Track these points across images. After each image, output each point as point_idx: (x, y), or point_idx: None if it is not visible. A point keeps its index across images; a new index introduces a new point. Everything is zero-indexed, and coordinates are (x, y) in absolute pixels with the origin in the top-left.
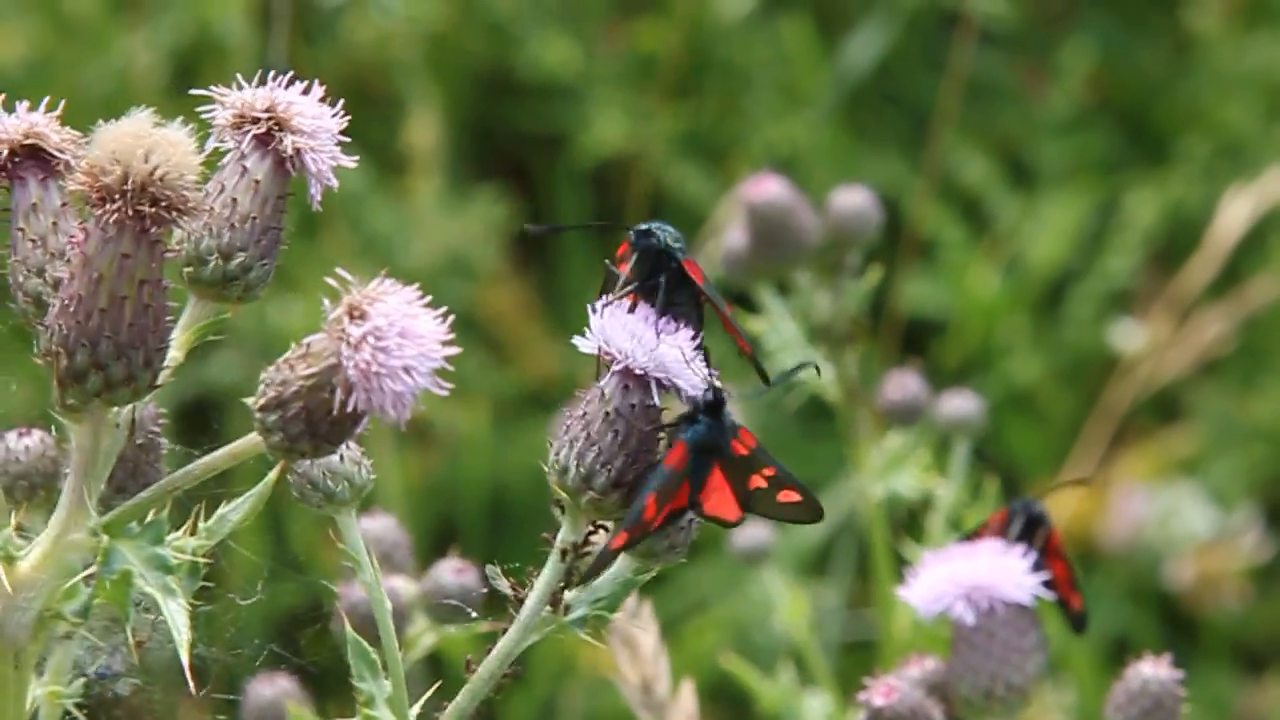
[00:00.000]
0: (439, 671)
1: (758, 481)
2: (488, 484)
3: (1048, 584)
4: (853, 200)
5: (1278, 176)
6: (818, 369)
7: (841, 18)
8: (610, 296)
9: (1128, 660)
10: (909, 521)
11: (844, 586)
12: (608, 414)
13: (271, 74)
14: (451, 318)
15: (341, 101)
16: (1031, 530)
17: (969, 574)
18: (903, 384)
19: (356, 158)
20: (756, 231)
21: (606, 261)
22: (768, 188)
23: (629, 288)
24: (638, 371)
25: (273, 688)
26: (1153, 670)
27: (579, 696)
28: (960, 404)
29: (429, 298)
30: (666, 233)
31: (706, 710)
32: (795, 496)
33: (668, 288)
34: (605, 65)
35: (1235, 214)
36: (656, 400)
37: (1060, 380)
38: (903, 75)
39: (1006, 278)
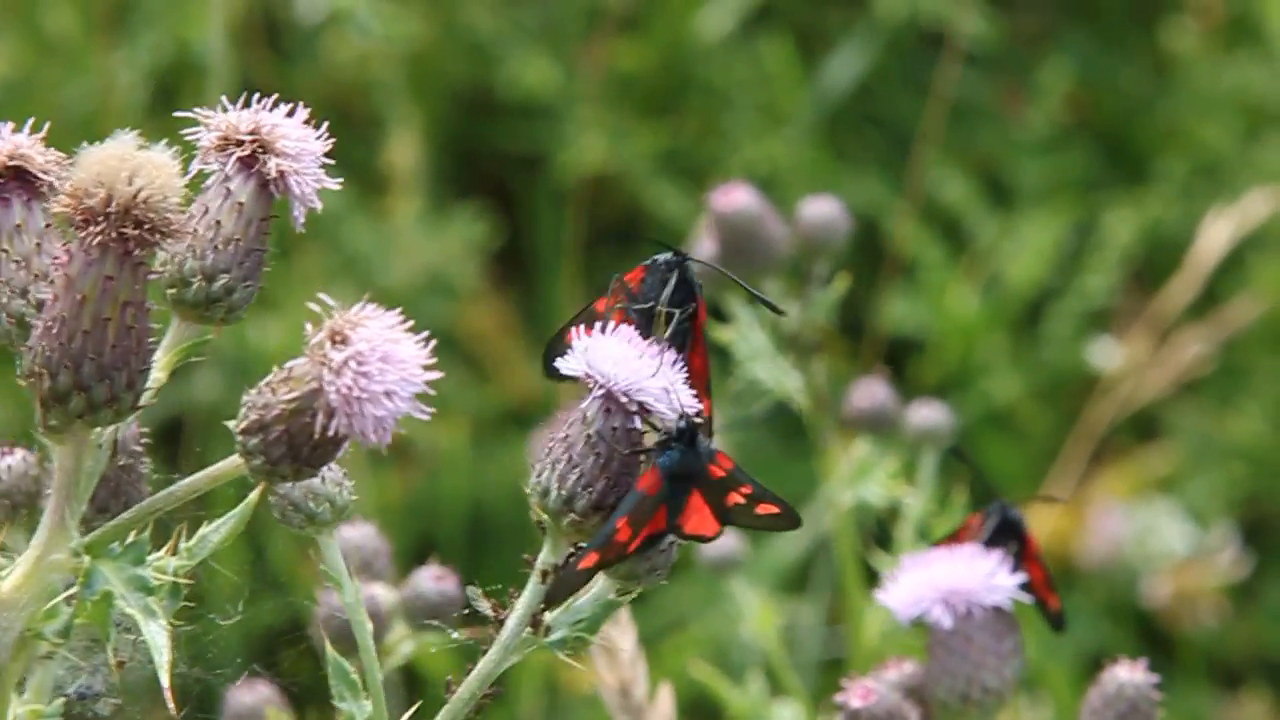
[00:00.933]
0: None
1: (735, 499)
2: (467, 502)
3: (1025, 586)
4: (821, 210)
5: (1258, 198)
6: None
7: (821, 38)
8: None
9: (1104, 666)
10: (878, 531)
11: (823, 603)
12: (589, 437)
13: (253, 95)
14: (433, 341)
15: (324, 122)
16: (1007, 533)
17: (947, 578)
18: (870, 392)
19: (338, 178)
20: (725, 241)
21: (617, 277)
22: (736, 197)
23: (643, 305)
24: (620, 396)
25: (253, 694)
26: (1129, 674)
27: (560, 714)
28: (929, 414)
29: (410, 321)
30: (695, 269)
31: None
32: (774, 509)
33: (682, 317)
34: (585, 85)
35: (1216, 235)
36: (638, 424)
37: (1039, 399)
38: (883, 95)
39: (985, 297)
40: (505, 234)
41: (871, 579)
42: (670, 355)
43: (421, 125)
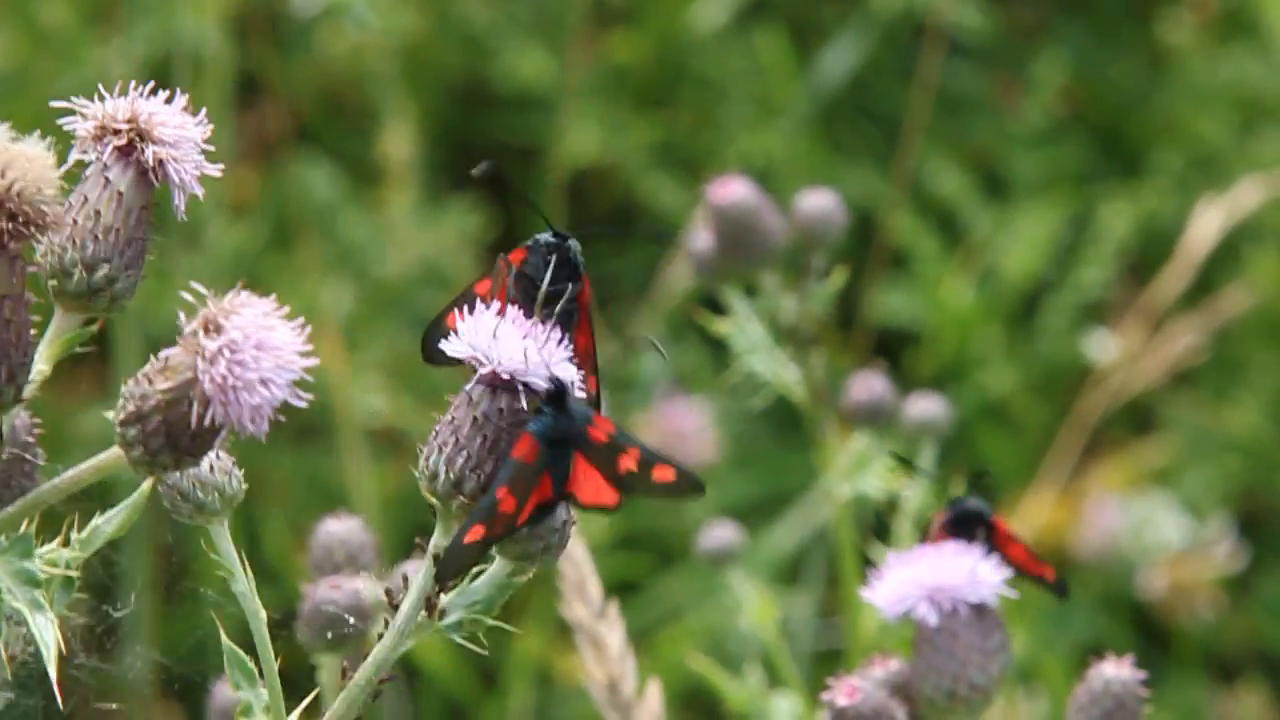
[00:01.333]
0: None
1: (627, 464)
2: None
3: (1013, 567)
4: (818, 202)
5: (1250, 187)
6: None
7: (816, 30)
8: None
9: (1098, 660)
10: (876, 524)
11: (816, 595)
12: (475, 419)
13: (248, 86)
14: (308, 326)
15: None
16: (971, 524)
17: (932, 575)
18: (868, 385)
19: (328, 166)
20: (722, 233)
21: (502, 256)
22: (733, 189)
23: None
24: (504, 376)
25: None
26: (1115, 671)
27: (552, 704)
28: (927, 406)
29: (288, 307)
30: (578, 247)
31: (681, 718)
32: (669, 474)
33: (569, 298)
34: (580, 77)
35: (1207, 225)
36: (524, 404)
37: (1034, 391)
38: (878, 88)
39: (980, 289)
40: (500, 226)
41: (870, 571)
42: (555, 333)
43: (416, 117)
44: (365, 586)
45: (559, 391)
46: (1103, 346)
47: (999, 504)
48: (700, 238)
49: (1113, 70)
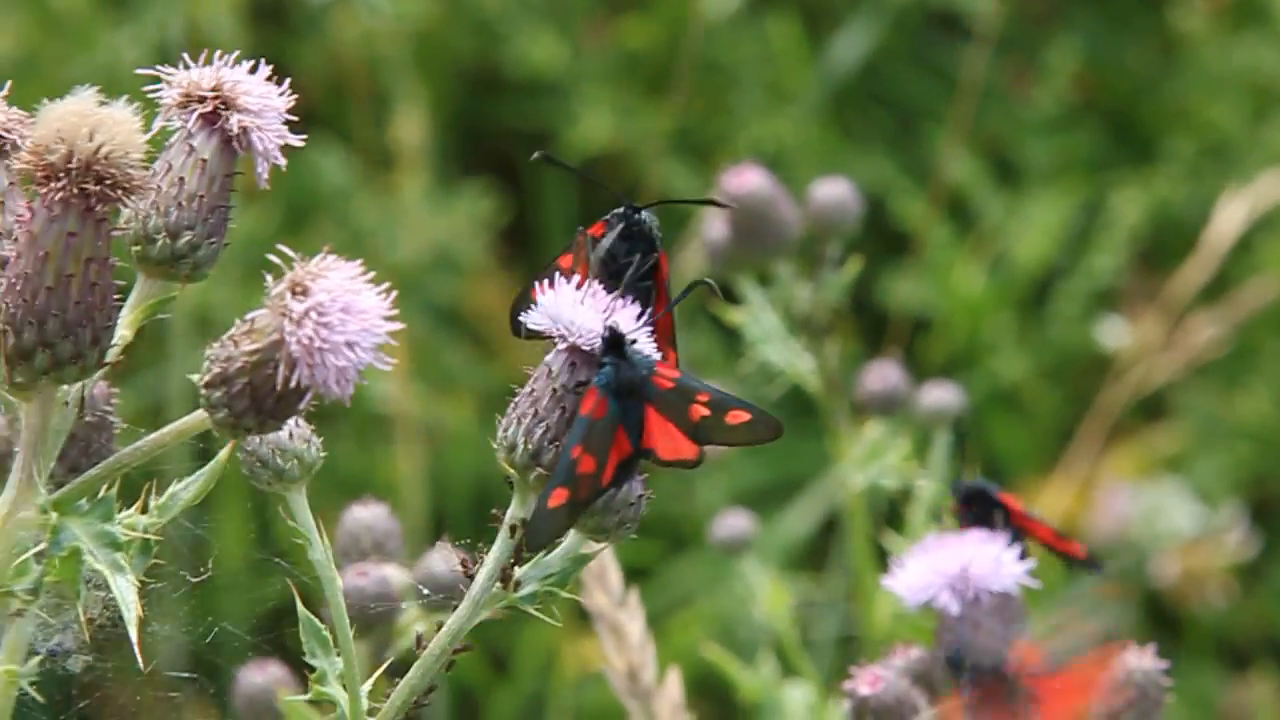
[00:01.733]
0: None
1: (699, 411)
2: (474, 478)
3: (1043, 545)
4: (833, 192)
5: (1272, 180)
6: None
7: (828, 16)
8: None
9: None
10: (890, 513)
11: (835, 581)
12: (554, 390)
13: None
14: (394, 292)
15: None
16: (984, 505)
17: (954, 563)
18: (883, 374)
19: (340, 152)
20: (737, 223)
21: (581, 230)
22: (748, 179)
23: (604, 262)
24: (584, 348)
25: (264, 674)
26: (1137, 660)
27: (565, 691)
28: (941, 395)
29: (370, 273)
30: (654, 221)
31: (693, 705)
32: (744, 415)
33: (640, 270)
34: (592, 62)
35: (1230, 217)
36: None
37: (1046, 378)
38: (890, 74)
39: (992, 276)
40: (512, 211)
41: (885, 560)
42: (634, 307)
43: (428, 102)
44: (393, 573)
45: (616, 339)
46: (1115, 333)
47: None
48: (715, 227)
49: (1125, 57)
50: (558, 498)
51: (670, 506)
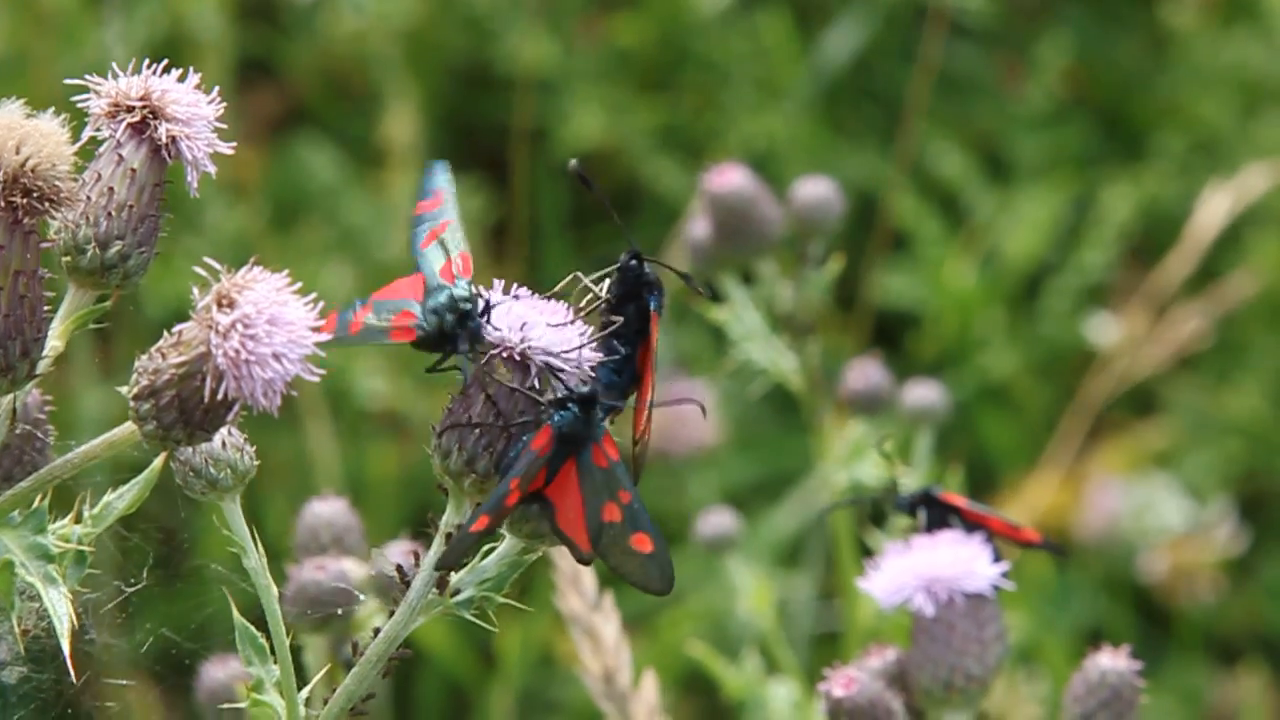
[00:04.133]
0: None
1: (613, 512)
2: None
3: (1000, 537)
4: (815, 190)
5: (1256, 172)
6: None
7: (819, 12)
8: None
9: (1100, 642)
10: (873, 511)
11: (814, 578)
12: (488, 397)
13: (250, 69)
14: (321, 304)
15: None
16: (938, 511)
17: (928, 566)
18: (865, 373)
19: (330, 149)
20: (720, 221)
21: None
22: (730, 178)
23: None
24: (516, 355)
25: (225, 670)
26: (1111, 661)
27: (553, 687)
28: (924, 393)
29: (299, 284)
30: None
31: (681, 702)
32: (646, 546)
33: (635, 318)
34: (583, 60)
35: (1214, 210)
36: (536, 381)
37: (1036, 374)
38: (881, 70)
39: (983, 271)
40: (502, 208)
41: (868, 558)
42: (565, 309)
43: (419, 100)
44: (351, 568)
45: (591, 396)
46: (1104, 329)
47: (998, 487)
48: (698, 225)
49: (1116, 53)
50: (481, 524)
51: (660, 503)
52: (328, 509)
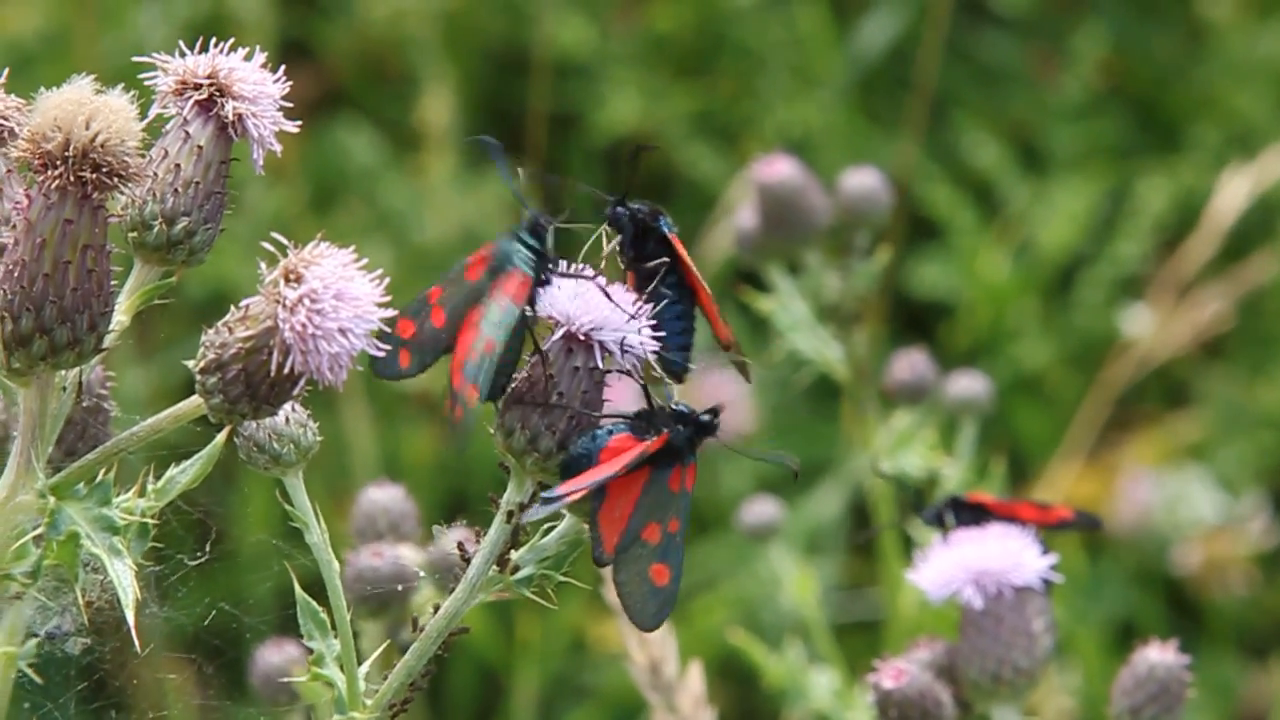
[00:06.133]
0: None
1: (654, 533)
2: (495, 461)
3: (1034, 525)
4: (863, 181)
5: (1277, 155)
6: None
7: (856, 1)
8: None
9: (1134, 644)
10: (916, 501)
11: (840, 567)
12: (550, 377)
13: (289, 51)
14: (388, 280)
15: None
16: (969, 514)
17: (977, 558)
18: (910, 363)
19: (368, 132)
20: (767, 211)
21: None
22: (779, 168)
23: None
24: (580, 335)
25: (280, 654)
26: (1159, 655)
27: (585, 671)
28: (968, 384)
29: (365, 260)
30: (645, 207)
31: (715, 688)
32: (664, 579)
33: (657, 251)
34: (620, 45)
35: (1234, 193)
36: (600, 363)
37: (1069, 365)
38: (916, 59)
39: (1017, 262)
40: (538, 193)
41: (909, 549)
42: (628, 294)
43: (456, 83)
44: (407, 554)
45: (710, 428)
46: (1138, 321)
47: (1031, 479)
48: (745, 215)
49: (1152, 45)
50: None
51: (694, 491)
52: (385, 495)
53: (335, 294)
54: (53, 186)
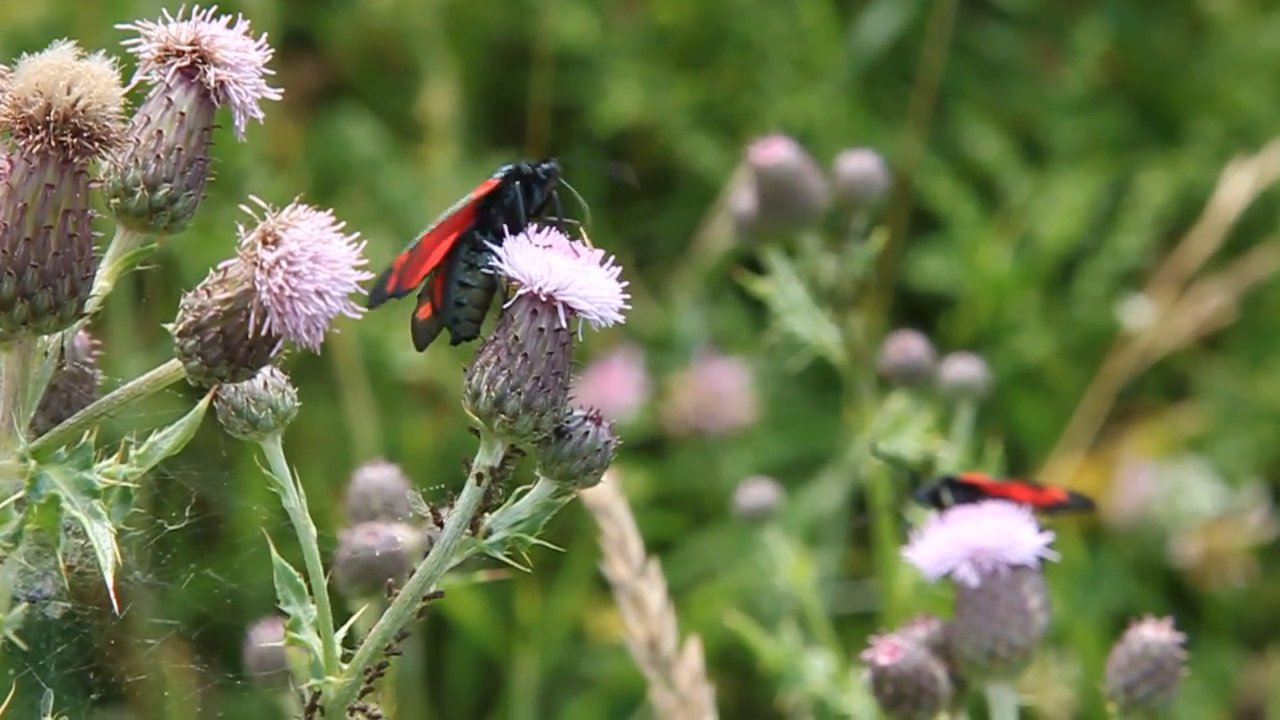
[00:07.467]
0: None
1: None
2: None
3: (1027, 506)
4: (860, 165)
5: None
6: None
7: None
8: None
9: (1131, 625)
10: (912, 482)
11: (840, 559)
12: (516, 338)
13: (292, 41)
14: (365, 243)
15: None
16: (964, 494)
17: (973, 536)
18: (905, 347)
19: (370, 123)
20: (764, 195)
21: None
22: (776, 150)
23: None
24: (543, 296)
25: (275, 633)
26: (1154, 633)
27: (584, 661)
28: (964, 368)
29: (343, 223)
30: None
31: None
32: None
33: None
34: (622, 37)
35: (1237, 187)
36: (564, 323)
37: (1070, 357)
38: (918, 52)
39: (1018, 255)
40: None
41: (905, 533)
42: (596, 254)
43: (458, 74)
44: (402, 533)
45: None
46: (1139, 313)
47: (1031, 470)
48: (742, 198)
49: (1153, 38)
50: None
51: (693, 481)
52: (379, 475)
53: (312, 256)
54: (34, 151)
